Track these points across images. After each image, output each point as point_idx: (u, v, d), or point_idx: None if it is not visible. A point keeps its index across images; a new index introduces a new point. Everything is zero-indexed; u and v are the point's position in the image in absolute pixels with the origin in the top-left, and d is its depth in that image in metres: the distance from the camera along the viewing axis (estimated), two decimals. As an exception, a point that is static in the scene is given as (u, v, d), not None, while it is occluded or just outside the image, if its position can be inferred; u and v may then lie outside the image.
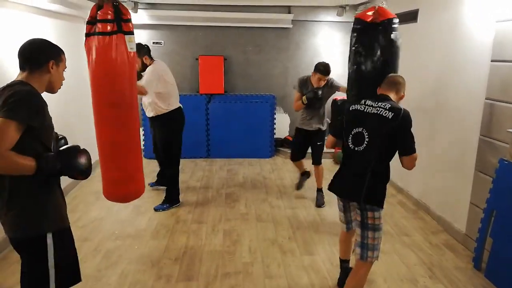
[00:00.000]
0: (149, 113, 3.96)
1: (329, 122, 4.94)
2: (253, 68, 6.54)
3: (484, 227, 2.93)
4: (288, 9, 6.30)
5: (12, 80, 1.77)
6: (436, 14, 3.87)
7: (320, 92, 3.93)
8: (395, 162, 2.29)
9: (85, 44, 2.67)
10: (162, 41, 6.33)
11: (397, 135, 2.17)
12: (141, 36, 6.11)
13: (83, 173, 1.80)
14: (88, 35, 2.83)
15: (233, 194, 4.54)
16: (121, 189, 3.08)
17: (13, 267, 2.89)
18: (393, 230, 3.61)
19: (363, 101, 2.30)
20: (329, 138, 2.58)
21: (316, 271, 2.93)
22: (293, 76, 6.50)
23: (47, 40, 1.91)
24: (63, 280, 1.82)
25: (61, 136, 2.06)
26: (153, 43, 6.27)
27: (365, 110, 2.26)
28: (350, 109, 2.35)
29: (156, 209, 3.97)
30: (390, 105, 2.20)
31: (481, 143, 3.11)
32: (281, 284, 2.75)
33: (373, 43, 2.86)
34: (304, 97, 3.98)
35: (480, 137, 3.11)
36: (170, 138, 4.00)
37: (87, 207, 4.02)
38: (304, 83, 4.08)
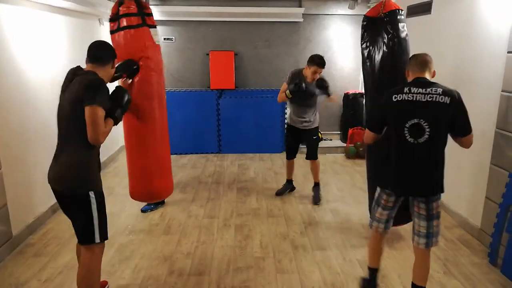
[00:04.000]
0: None
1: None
2: (263, 63, 6.51)
3: (500, 222, 2.87)
4: (299, 2, 6.24)
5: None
6: (450, 5, 3.78)
7: (304, 86, 3.70)
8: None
9: (112, 41, 2.82)
10: (173, 37, 6.34)
11: (457, 117, 2.09)
12: (152, 32, 6.12)
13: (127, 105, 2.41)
14: (113, 32, 2.93)
15: (244, 189, 4.54)
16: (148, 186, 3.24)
17: (30, 261, 2.94)
18: (408, 226, 3.55)
19: (406, 89, 2.13)
20: (368, 134, 2.38)
21: (328, 266, 2.92)
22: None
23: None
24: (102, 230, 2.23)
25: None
26: (164, 39, 6.29)
27: (416, 99, 2.09)
28: (394, 100, 2.16)
29: (143, 210, 3.83)
30: (441, 89, 2.09)
31: (497, 137, 3.04)
32: (293, 279, 2.75)
33: (378, 37, 2.85)
34: (287, 91, 3.79)
35: (496, 130, 3.04)
36: None
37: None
38: (296, 76, 3.89)
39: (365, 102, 3.19)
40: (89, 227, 2.16)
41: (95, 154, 2.23)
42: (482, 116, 3.24)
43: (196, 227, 3.57)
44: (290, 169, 4.38)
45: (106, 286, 2.61)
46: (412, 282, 2.30)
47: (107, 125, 2.16)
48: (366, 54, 3.00)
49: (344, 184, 4.73)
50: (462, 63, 3.57)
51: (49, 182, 2.19)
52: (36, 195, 3.44)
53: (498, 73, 3.02)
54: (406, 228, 3.41)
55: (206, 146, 6.10)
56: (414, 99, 2.11)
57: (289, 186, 4.43)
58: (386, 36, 2.81)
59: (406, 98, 2.13)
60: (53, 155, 2.20)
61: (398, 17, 2.81)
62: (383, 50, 2.84)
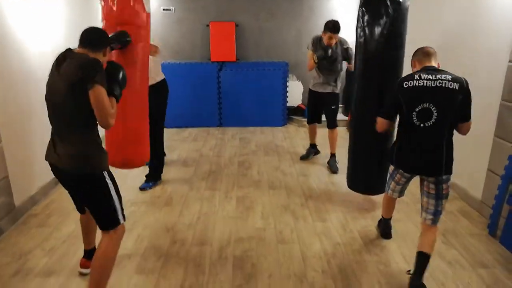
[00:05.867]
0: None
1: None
2: (265, 34, 6.39)
3: (501, 193, 2.87)
4: (301, -29, 6.06)
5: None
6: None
7: (330, 51, 3.82)
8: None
9: (104, 4, 2.72)
10: (172, 8, 6.20)
11: (463, 103, 2.20)
12: (150, 3, 5.97)
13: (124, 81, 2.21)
14: None
15: (246, 162, 4.55)
16: (123, 153, 3.05)
17: (33, 232, 2.98)
18: (407, 198, 3.56)
19: (417, 76, 2.24)
20: (381, 122, 2.47)
21: (328, 237, 2.95)
22: (307, 42, 6.32)
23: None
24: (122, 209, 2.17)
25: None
26: (163, 9, 6.14)
27: (425, 85, 2.20)
28: (405, 86, 2.26)
29: (142, 188, 3.75)
30: (451, 76, 2.19)
31: (502, 109, 3.00)
32: (294, 249, 2.78)
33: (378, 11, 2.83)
34: (315, 56, 3.90)
35: (502, 102, 2.99)
36: (164, 108, 3.78)
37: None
38: (317, 42, 3.99)
39: (357, 85, 3.15)
40: (106, 210, 2.09)
41: (98, 134, 2.12)
42: (487, 87, 3.19)
43: (198, 199, 3.59)
44: (312, 133, 4.51)
45: None
46: (417, 251, 2.30)
47: (113, 106, 2.02)
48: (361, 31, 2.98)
49: (345, 157, 4.71)
50: (468, 34, 3.48)
51: (55, 169, 2.09)
52: (38, 167, 3.45)
53: (506, 43, 2.95)
54: (407, 201, 3.43)
55: (206, 119, 6.07)
56: (424, 84, 2.20)
57: (312, 150, 4.60)
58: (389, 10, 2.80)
59: (417, 84, 2.22)
60: (51, 141, 2.09)
61: None
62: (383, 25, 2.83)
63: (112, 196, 2.09)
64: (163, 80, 3.74)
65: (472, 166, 3.42)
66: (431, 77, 2.20)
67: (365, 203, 3.49)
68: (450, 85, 2.16)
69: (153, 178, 3.87)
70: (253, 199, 3.58)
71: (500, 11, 3.04)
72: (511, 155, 2.82)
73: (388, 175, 2.65)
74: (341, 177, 4.07)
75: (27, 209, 3.28)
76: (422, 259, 2.26)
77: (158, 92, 3.61)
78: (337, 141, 4.30)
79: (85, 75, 1.90)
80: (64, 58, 1.99)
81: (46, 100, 2.05)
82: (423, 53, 2.35)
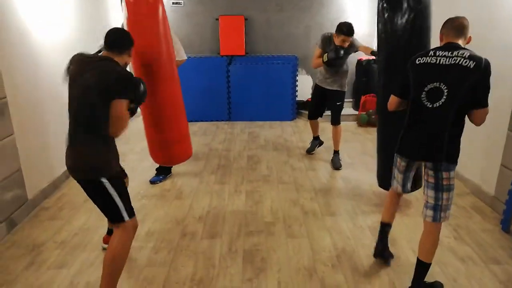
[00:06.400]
0: None
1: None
2: (274, 28, 6.34)
3: (515, 189, 2.83)
4: (311, -37, 5.99)
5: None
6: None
7: (342, 52, 3.78)
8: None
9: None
10: (182, 1, 6.18)
11: (477, 86, 1.95)
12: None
13: (144, 97, 2.28)
14: None
15: (255, 157, 4.54)
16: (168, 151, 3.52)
17: (45, 224, 3.02)
18: (418, 193, 3.54)
19: (431, 52, 2.06)
20: (393, 99, 2.31)
21: (338, 231, 2.93)
22: (316, 36, 6.23)
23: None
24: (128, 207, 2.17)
25: None
26: (173, 3, 6.13)
27: (439, 62, 2.01)
28: (417, 62, 2.10)
29: (152, 182, 3.79)
30: (469, 53, 1.96)
31: (516, 102, 2.94)
32: (303, 244, 2.78)
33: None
34: (325, 55, 3.85)
35: (516, 96, 2.94)
36: None
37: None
38: (327, 41, 3.94)
39: (379, 69, 3.09)
40: (111, 209, 2.11)
41: (111, 139, 2.12)
42: (502, 79, 3.12)
43: (207, 192, 3.60)
44: (314, 127, 4.51)
45: None
46: (417, 257, 2.19)
47: (128, 121, 2.09)
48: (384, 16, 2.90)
49: (355, 151, 4.69)
50: (483, 26, 3.40)
51: (68, 170, 2.12)
52: (49, 159, 3.49)
53: (521, 36, 2.88)
54: (417, 196, 3.40)
55: (216, 113, 6.07)
56: (438, 62, 2.02)
57: (316, 142, 4.59)
58: None
59: (430, 61, 2.05)
60: (69, 140, 2.09)
61: None
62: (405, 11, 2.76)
63: (113, 199, 2.08)
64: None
65: (484, 161, 3.37)
66: (447, 54, 2.00)
67: (375, 198, 3.47)
68: (465, 63, 1.93)
69: (164, 171, 3.89)
70: (262, 193, 3.58)
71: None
72: (526, 150, 2.77)
73: (393, 165, 2.43)
74: (350, 172, 4.05)
75: (39, 202, 3.32)
76: (419, 267, 2.16)
77: None
78: (342, 137, 4.27)
79: (118, 87, 1.97)
80: (86, 64, 2.04)
81: (75, 104, 2.07)
82: (453, 28, 2.09)
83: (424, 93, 2.06)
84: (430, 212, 2.13)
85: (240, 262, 2.56)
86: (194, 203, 3.39)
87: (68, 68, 2.10)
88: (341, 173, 4.05)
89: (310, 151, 4.58)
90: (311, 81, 6.28)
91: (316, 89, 4.26)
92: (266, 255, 2.64)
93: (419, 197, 3.45)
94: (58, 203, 3.35)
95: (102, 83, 1.96)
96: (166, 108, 3.31)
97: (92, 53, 2.26)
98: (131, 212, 2.16)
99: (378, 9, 2.94)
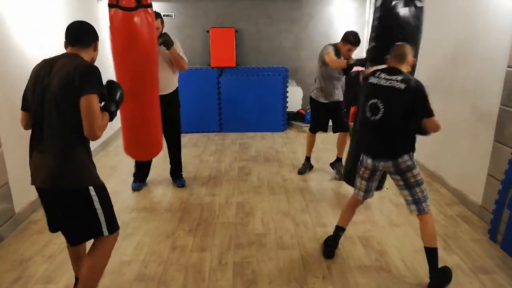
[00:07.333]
0: (168, 90, 3.67)
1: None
2: (265, 40, 6.42)
3: (502, 198, 2.87)
4: (300, -23, 6.10)
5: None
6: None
7: (350, 60, 3.77)
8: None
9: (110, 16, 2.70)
10: (173, 14, 6.23)
11: (413, 102, 2.32)
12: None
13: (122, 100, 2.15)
14: (112, 6, 2.81)
15: (246, 168, 4.55)
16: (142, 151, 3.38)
17: (33, 238, 2.97)
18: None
19: (377, 73, 2.48)
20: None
21: (329, 242, 2.94)
22: (306, 48, 6.37)
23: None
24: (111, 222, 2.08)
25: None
26: (164, 15, 6.16)
27: (379, 83, 2.43)
28: (369, 80, 2.53)
29: (182, 185, 3.94)
30: (402, 77, 2.36)
31: (501, 113, 3.00)
32: (294, 255, 2.77)
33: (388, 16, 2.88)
34: (353, 60, 3.74)
35: (501, 106, 3.00)
36: (179, 112, 3.90)
37: (103, 180, 4.07)
38: (336, 49, 3.88)
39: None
40: (95, 222, 1.99)
41: (88, 146, 2.02)
42: (486, 92, 3.20)
43: (198, 204, 3.58)
44: (311, 144, 4.36)
45: None
46: (423, 246, 2.45)
47: (104, 119, 1.94)
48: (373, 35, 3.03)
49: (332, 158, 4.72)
50: (468, 38, 3.49)
51: (38, 183, 1.96)
52: (37, 173, 3.44)
53: (504, 48, 2.96)
54: (405, 205, 3.42)
55: (207, 125, 6.08)
56: (378, 83, 2.44)
57: (309, 164, 4.43)
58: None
59: (373, 82, 2.47)
60: (33, 151, 1.98)
61: None
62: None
63: (96, 212, 1.98)
64: (177, 87, 3.84)
65: (472, 171, 3.42)
66: (386, 77, 2.41)
67: (364, 209, 3.48)
68: (397, 85, 2.34)
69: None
70: (253, 205, 3.57)
71: (498, 17, 3.05)
72: (511, 159, 2.82)
73: (356, 173, 2.71)
74: (341, 183, 4.07)
75: (27, 215, 3.27)
76: (429, 254, 2.42)
77: (176, 97, 3.81)
78: (331, 147, 4.27)
79: (81, 83, 1.83)
80: (52, 65, 1.91)
81: (27, 108, 1.97)
82: (393, 56, 2.48)
83: (367, 106, 2.47)
84: (414, 207, 2.45)
85: (231, 275, 2.55)
86: (184, 215, 3.38)
87: (30, 76, 1.99)
88: (332, 184, 4.07)
89: (302, 173, 4.37)
90: (301, 93, 6.35)
91: (317, 105, 4.14)
92: (257, 267, 2.63)
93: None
94: (47, 217, 3.31)
95: (63, 81, 1.83)
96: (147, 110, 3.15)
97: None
98: (113, 226, 2.08)
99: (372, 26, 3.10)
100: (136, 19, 2.76)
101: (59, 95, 1.84)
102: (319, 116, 4.24)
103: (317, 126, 4.29)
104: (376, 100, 2.41)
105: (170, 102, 3.68)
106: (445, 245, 2.89)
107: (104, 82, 2.02)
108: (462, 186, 3.58)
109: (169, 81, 3.65)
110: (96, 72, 1.91)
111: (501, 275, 2.54)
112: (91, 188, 1.96)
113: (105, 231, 2.03)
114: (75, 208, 1.98)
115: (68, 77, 1.83)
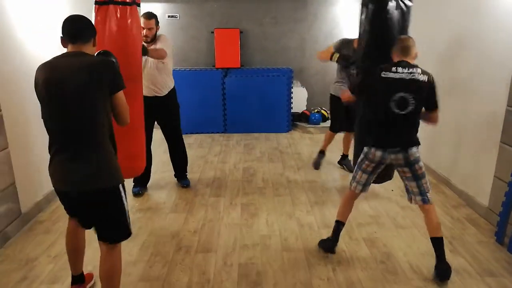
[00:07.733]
0: (163, 91, 3.65)
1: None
2: (269, 41, 6.41)
3: (508, 200, 2.85)
4: (305, -22, 6.10)
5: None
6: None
7: (350, 65, 3.79)
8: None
9: (97, 12, 2.60)
10: (178, 15, 6.25)
11: (432, 94, 2.47)
12: (156, 10, 6.01)
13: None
14: (101, 3, 2.73)
15: (250, 169, 4.55)
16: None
17: (39, 238, 2.99)
18: (413, 204, 3.55)
19: (394, 69, 2.45)
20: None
21: (334, 244, 2.93)
22: (311, 48, 6.35)
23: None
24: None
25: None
26: (168, 16, 6.19)
27: (402, 78, 2.41)
28: (382, 75, 2.46)
29: (187, 185, 3.95)
30: (420, 69, 2.44)
31: (508, 115, 2.98)
32: (299, 257, 2.77)
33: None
34: (335, 55, 3.80)
35: (508, 108, 2.98)
36: (179, 112, 3.87)
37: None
38: (345, 44, 3.87)
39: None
40: (124, 221, 2.02)
41: (113, 140, 2.02)
42: (493, 93, 3.17)
43: (203, 205, 3.59)
44: (329, 140, 4.36)
45: (92, 281, 2.47)
46: (430, 237, 2.53)
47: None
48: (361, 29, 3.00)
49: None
50: (473, 39, 3.47)
51: (73, 185, 1.94)
52: (44, 173, 3.44)
53: (511, 49, 2.94)
54: (412, 207, 3.40)
55: (211, 125, 6.09)
56: (402, 77, 2.43)
57: (322, 156, 4.46)
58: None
59: (393, 76, 2.44)
60: (56, 156, 1.98)
61: None
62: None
63: (125, 210, 2.02)
64: (174, 87, 3.80)
65: (478, 173, 3.40)
66: (405, 70, 2.42)
67: (370, 210, 3.47)
68: (422, 78, 2.41)
69: (185, 174, 4.03)
70: (258, 206, 3.57)
71: (505, 16, 3.03)
72: (518, 162, 2.80)
73: (356, 166, 2.72)
74: (346, 183, 4.05)
75: (33, 215, 3.29)
76: (436, 244, 2.49)
77: (173, 98, 3.76)
78: (333, 147, 4.25)
79: (113, 80, 1.86)
80: (58, 70, 1.85)
81: (47, 114, 1.93)
82: (400, 50, 2.51)
83: (392, 101, 2.43)
84: (419, 197, 2.55)
85: (235, 276, 2.55)
86: (189, 216, 3.38)
87: (37, 83, 1.93)
88: (337, 185, 4.06)
89: (318, 167, 4.45)
90: (306, 93, 6.34)
91: (337, 101, 3.93)
92: (262, 269, 2.62)
93: (414, 209, 3.46)
94: (53, 216, 3.33)
95: (85, 81, 1.80)
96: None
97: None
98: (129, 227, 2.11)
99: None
100: (100, 15, 2.67)
101: (94, 93, 1.83)
102: (340, 112, 4.14)
103: (340, 123, 4.23)
104: (404, 93, 2.40)
105: (167, 103, 3.70)
106: (452, 247, 2.87)
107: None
108: (469, 188, 3.56)
109: (163, 83, 3.63)
110: (117, 65, 1.99)
111: (508, 278, 2.52)
112: (120, 186, 1.99)
113: (131, 228, 2.08)
114: (106, 207, 1.98)
115: (91, 76, 1.81)
